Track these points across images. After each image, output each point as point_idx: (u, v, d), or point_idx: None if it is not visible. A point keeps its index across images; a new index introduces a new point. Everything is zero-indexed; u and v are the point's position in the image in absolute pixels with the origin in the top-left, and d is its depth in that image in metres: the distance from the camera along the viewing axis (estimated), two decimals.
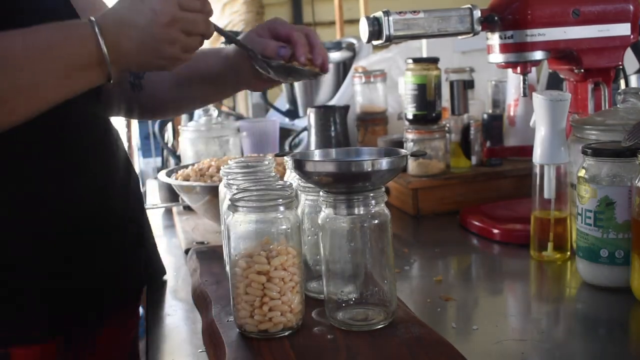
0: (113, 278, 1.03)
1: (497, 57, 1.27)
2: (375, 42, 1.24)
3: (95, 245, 1.00)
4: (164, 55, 0.91)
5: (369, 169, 0.81)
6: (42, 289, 0.93)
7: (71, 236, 0.96)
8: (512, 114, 1.71)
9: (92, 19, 0.88)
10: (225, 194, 0.99)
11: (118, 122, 2.06)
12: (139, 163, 2.98)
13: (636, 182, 0.96)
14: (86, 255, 0.98)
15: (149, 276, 1.17)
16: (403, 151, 0.88)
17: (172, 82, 1.14)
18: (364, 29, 1.23)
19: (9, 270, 0.91)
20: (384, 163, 0.82)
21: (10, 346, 0.90)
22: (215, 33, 0.97)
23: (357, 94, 1.94)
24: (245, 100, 3.76)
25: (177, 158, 1.90)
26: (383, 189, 0.85)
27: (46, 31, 0.87)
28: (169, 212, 1.70)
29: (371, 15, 1.22)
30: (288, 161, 0.94)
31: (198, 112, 1.91)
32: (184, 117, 2.00)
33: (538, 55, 1.24)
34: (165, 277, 1.23)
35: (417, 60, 1.60)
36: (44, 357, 0.94)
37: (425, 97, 1.58)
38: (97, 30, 0.86)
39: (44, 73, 0.85)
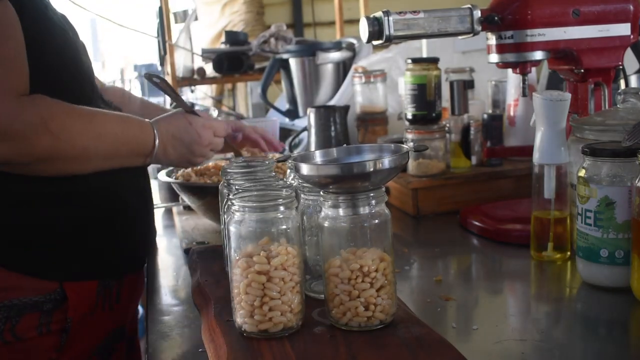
0: (135, 241, 1.25)
1: (497, 57, 1.27)
2: (375, 42, 1.24)
3: (126, 215, 1.22)
4: (193, 164, 1.30)
5: (371, 169, 0.81)
6: (90, 246, 1.17)
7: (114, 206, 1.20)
8: (512, 114, 1.71)
9: (153, 125, 1.20)
10: (225, 194, 0.99)
11: None
12: None
13: (636, 182, 0.96)
14: (118, 223, 1.21)
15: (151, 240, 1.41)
16: (404, 147, 0.87)
17: None
18: (364, 29, 1.23)
19: (64, 228, 1.13)
20: (386, 162, 0.82)
21: (63, 281, 1.13)
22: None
23: (357, 94, 1.94)
24: (245, 100, 3.76)
25: None
26: (383, 189, 0.85)
27: (128, 122, 1.18)
28: (169, 212, 1.70)
29: (371, 16, 1.22)
30: (289, 163, 0.94)
31: None
32: None
33: (538, 55, 1.24)
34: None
35: (417, 60, 1.60)
36: (87, 292, 1.16)
37: (425, 97, 1.58)
38: (155, 135, 1.19)
39: (117, 149, 1.15)
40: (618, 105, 1.14)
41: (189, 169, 1.49)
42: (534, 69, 1.39)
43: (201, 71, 3.01)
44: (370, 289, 0.83)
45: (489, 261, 1.28)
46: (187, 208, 1.61)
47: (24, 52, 1.04)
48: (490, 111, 1.75)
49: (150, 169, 2.35)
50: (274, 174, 1.02)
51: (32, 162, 1.06)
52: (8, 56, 1.03)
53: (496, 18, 1.23)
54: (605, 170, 1.01)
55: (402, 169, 0.88)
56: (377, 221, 0.84)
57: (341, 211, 0.84)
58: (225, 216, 0.90)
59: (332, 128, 1.81)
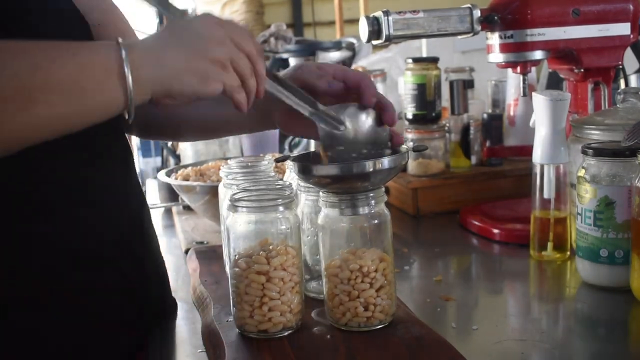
0: (107, 329, 0.87)
1: (497, 56, 1.27)
2: (375, 42, 1.24)
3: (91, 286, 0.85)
4: (211, 57, 0.74)
5: (371, 169, 0.81)
6: (36, 334, 0.80)
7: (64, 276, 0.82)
8: (512, 113, 1.71)
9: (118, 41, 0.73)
10: (225, 194, 0.99)
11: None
12: (138, 163, 2.97)
13: (636, 182, 0.96)
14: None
15: (157, 317, 0.99)
16: (404, 147, 0.87)
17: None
18: (363, 28, 1.23)
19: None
20: (385, 162, 0.82)
21: None
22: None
23: None
24: None
25: (177, 158, 1.89)
26: (383, 189, 0.85)
27: (76, 45, 0.73)
28: (168, 212, 1.70)
29: (371, 15, 1.22)
30: (288, 163, 0.94)
31: None
32: None
33: (538, 54, 1.24)
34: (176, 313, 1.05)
35: (416, 60, 1.60)
36: None
37: (425, 96, 1.58)
38: (120, 43, 0.72)
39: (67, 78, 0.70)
40: (618, 105, 1.14)
41: (188, 169, 1.49)
42: (534, 69, 1.39)
43: None
44: (370, 289, 0.83)
45: (489, 261, 1.28)
46: (187, 208, 1.61)
47: None
48: (490, 111, 1.75)
49: (150, 169, 2.34)
50: (274, 174, 1.02)
51: None
52: None
53: (496, 18, 1.23)
54: (605, 170, 1.01)
55: (402, 169, 0.88)
56: (376, 221, 0.84)
57: (341, 211, 0.84)
58: (225, 216, 0.90)
59: None
